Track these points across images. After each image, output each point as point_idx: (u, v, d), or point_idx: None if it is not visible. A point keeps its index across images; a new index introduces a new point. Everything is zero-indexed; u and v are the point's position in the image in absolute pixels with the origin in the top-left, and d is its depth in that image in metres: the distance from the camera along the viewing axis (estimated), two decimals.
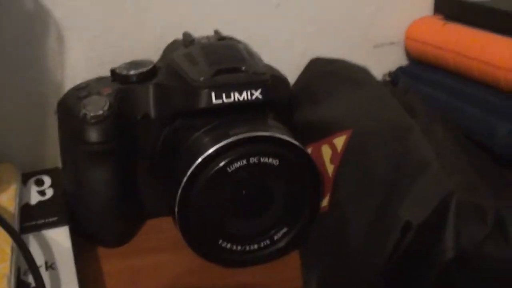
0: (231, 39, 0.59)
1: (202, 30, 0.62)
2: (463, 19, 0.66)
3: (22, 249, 0.47)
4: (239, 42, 0.58)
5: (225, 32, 0.60)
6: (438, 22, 0.69)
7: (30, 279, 0.47)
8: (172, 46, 0.58)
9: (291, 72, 0.65)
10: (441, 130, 0.54)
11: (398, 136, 0.48)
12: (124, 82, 0.54)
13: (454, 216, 0.42)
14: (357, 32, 0.72)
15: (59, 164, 0.61)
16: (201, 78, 0.51)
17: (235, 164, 0.48)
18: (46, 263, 0.49)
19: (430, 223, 0.41)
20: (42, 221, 0.54)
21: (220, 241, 0.51)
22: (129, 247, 0.56)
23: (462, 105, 0.61)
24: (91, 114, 0.51)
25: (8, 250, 0.47)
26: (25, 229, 0.53)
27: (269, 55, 0.60)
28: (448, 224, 0.41)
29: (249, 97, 0.51)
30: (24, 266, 0.48)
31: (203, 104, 0.51)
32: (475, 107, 0.60)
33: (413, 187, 0.43)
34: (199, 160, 0.47)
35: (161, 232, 0.56)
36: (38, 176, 0.61)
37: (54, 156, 0.64)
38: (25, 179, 0.60)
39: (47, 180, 0.61)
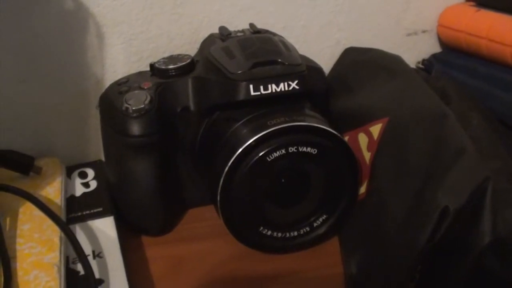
0: (266, 31, 0.60)
1: (237, 23, 0.63)
2: (495, 6, 0.66)
3: (71, 238, 0.48)
4: (274, 34, 0.58)
5: (260, 25, 0.60)
6: (471, 9, 0.68)
7: (79, 267, 0.48)
8: (209, 40, 0.59)
9: (326, 62, 0.66)
10: (476, 117, 0.54)
11: (434, 123, 0.49)
12: (163, 76, 0.56)
13: (491, 201, 0.42)
14: (390, 21, 0.72)
15: (101, 157, 0.63)
16: (239, 71, 0.52)
17: (274, 153, 0.49)
18: (93, 252, 0.51)
19: (467, 209, 0.42)
20: (88, 212, 0.56)
21: (261, 228, 0.52)
22: (172, 235, 0.57)
23: (496, 91, 0.61)
24: (133, 108, 0.52)
25: (56, 240, 0.49)
26: (72, 220, 0.54)
27: (304, 45, 0.61)
28: (485, 210, 0.42)
29: (286, 88, 0.52)
30: (72, 255, 0.49)
31: (241, 96, 0.52)
32: (509, 92, 0.60)
33: (450, 173, 0.44)
34: (240, 150, 0.48)
35: (202, 220, 0.58)
36: (81, 169, 0.63)
37: (96, 149, 0.66)
38: (69, 172, 0.62)
39: (90, 173, 0.62)
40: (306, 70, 0.53)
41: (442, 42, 0.75)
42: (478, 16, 0.67)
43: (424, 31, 0.74)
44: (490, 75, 0.63)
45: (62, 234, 0.49)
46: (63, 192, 0.57)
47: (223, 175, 0.48)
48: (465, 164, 0.44)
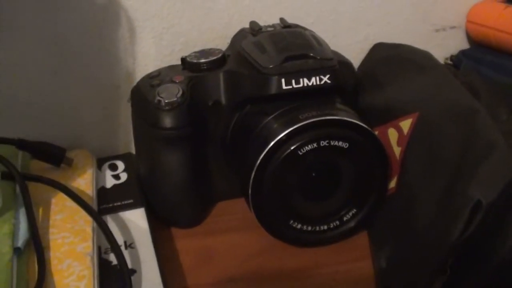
0: (297, 26, 0.60)
1: (267, 18, 0.63)
2: None
3: (103, 228, 0.49)
4: (305, 29, 0.58)
5: (290, 19, 0.61)
6: (499, 6, 0.68)
7: (111, 257, 0.49)
8: (240, 35, 0.60)
9: (355, 57, 0.66)
10: (505, 112, 0.54)
11: (464, 118, 0.49)
12: (195, 70, 0.56)
13: None
14: (418, 17, 0.72)
15: (131, 150, 0.64)
16: (271, 65, 0.52)
17: (306, 147, 0.49)
18: (125, 242, 0.52)
19: (499, 203, 0.42)
20: (119, 203, 0.56)
21: (291, 221, 0.52)
22: (202, 227, 0.58)
23: None
24: (166, 101, 0.52)
25: (89, 230, 0.50)
26: (103, 211, 0.55)
27: (333, 40, 0.61)
28: None
29: (318, 82, 0.52)
30: (104, 245, 0.50)
31: (273, 90, 0.52)
32: None
33: (481, 168, 0.44)
34: (271, 143, 0.49)
35: (232, 213, 0.58)
36: (111, 161, 0.63)
37: (126, 142, 0.67)
38: (99, 164, 0.62)
39: (121, 165, 0.63)
40: (338, 65, 0.54)
41: (470, 38, 0.75)
42: (507, 13, 0.66)
43: (452, 27, 0.74)
44: None
45: (94, 224, 0.50)
46: (94, 184, 0.57)
47: (255, 168, 0.49)
48: (497, 159, 0.44)
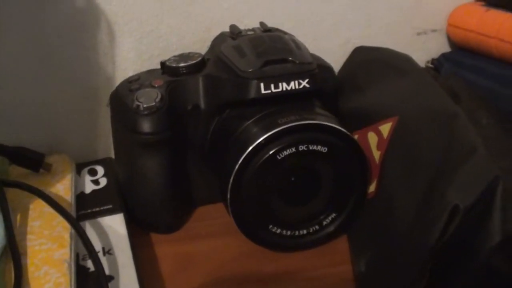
0: (277, 30, 0.60)
1: (247, 22, 0.63)
2: (505, 5, 0.65)
3: (81, 235, 0.48)
4: (285, 33, 0.58)
5: (270, 23, 0.60)
6: (480, 9, 0.68)
7: (89, 264, 0.48)
8: (220, 39, 0.59)
9: (336, 60, 0.66)
10: (485, 116, 0.54)
11: (444, 122, 0.48)
12: (174, 74, 0.56)
13: (501, 200, 0.42)
14: (399, 20, 0.72)
15: (111, 154, 0.63)
16: (250, 69, 0.52)
17: (285, 152, 0.49)
18: (103, 248, 0.51)
19: (477, 207, 0.41)
20: (98, 209, 0.56)
21: (270, 226, 0.52)
22: (182, 233, 0.57)
23: (506, 91, 0.61)
24: (144, 106, 0.52)
25: (67, 236, 0.49)
26: (82, 217, 0.55)
27: (314, 44, 0.61)
28: (495, 208, 0.42)
29: (297, 86, 0.52)
30: (82, 252, 0.49)
31: (252, 94, 0.52)
32: None
33: (460, 172, 0.43)
34: (250, 148, 0.48)
35: (211, 218, 0.58)
36: (91, 166, 0.63)
37: (105, 147, 0.66)
38: (79, 169, 0.62)
39: (100, 170, 0.62)
40: (317, 69, 0.54)
41: (451, 42, 0.75)
42: (488, 16, 0.67)
43: (433, 31, 0.74)
44: (500, 75, 0.63)
45: (72, 231, 0.50)
46: (73, 189, 0.57)
47: (234, 173, 0.49)
48: (476, 163, 0.44)
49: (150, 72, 0.58)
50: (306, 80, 0.52)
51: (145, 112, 0.52)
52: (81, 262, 0.49)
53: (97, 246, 0.51)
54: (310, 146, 0.49)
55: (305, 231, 0.53)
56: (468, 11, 0.71)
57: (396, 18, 0.72)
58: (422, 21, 0.74)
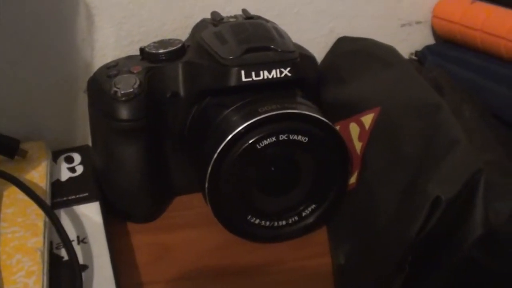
0: (259, 18, 0.59)
1: (229, 9, 0.63)
2: None
3: (55, 223, 0.48)
4: (267, 21, 0.58)
5: (254, 11, 0.60)
6: (465, 1, 0.68)
7: (63, 252, 0.48)
8: (201, 25, 0.58)
9: (319, 50, 0.66)
10: (468, 109, 0.54)
11: (427, 114, 0.48)
12: (153, 61, 0.55)
13: (483, 193, 0.41)
14: (384, 11, 0.72)
15: (88, 142, 0.62)
16: (231, 57, 0.51)
17: (265, 141, 0.48)
18: (78, 237, 0.51)
19: (459, 200, 0.41)
20: (73, 197, 0.55)
21: (249, 217, 0.51)
22: (159, 222, 0.57)
23: (489, 84, 0.61)
24: (122, 92, 0.51)
25: (41, 224, 0.49)
26: (57, 205, 0.54)
27: (297, 34, 0.60)
28: (477, 201, 0.42)
29: (278, 75, 0.51)
30: (56, 240, 0.49)
31: (232, 82, 0.51)
32: (502, 85, 0.59)
33: (442, 164, 0.43)
34: (229, 137, 0.48)
35: (189, 208, 0.57)
36: (68, 154, 0.62)
37: (83, 134, 0.65)
38: (55, 157, 0.61)
39: (77, 157, 0.61)
40: (299, 58, 0.53)
41: (436, 34, 0.75)
42: (473, 8, 0.66)
43: (418, 22, 0.74)
44: (484, 68, 0.63)
45: (47, 219, 0.49)
46: (48, 177, 0.56)
47: (212, 162, 0.48)
48: (458, 155, 0.43)
49: (129, 58, 0.57)
50: (288, 69, 0.51)
51: (123, 99, 0.51)
52: (55, 251, 0.49)
53: (72, 234, 0.50)
54: (290, 135, 0.48)
55: (284, 222, 0.52)
56: (453, 3, 0.70)
57: (380, 9, 0.72)
58: (406, 13, 0.73)
